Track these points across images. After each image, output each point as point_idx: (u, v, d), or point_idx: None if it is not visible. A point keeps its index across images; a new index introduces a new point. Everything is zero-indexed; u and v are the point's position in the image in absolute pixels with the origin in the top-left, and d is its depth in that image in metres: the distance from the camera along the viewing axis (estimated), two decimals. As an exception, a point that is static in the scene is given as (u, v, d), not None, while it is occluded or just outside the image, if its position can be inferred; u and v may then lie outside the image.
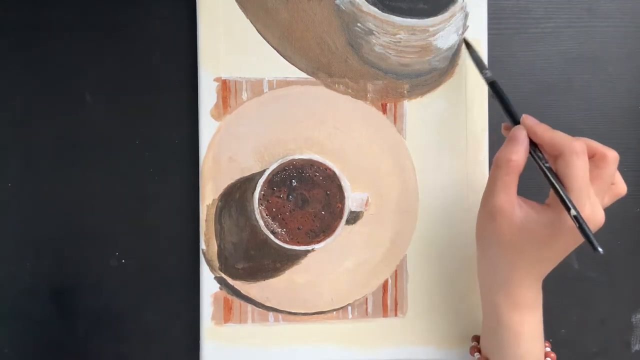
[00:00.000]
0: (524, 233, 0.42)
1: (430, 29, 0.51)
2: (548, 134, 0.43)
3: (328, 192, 0.51)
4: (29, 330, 0.51)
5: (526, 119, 0.44)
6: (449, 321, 0.52)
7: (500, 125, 0.49)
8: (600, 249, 0.39)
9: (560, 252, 0.43)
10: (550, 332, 0.52)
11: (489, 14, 0.52)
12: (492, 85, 0.47)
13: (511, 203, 0.43)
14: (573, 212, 0.40)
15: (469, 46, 0.51)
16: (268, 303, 0.51)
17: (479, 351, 0.48)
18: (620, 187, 0.45)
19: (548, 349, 0.46)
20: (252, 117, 0.51)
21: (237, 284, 0.51)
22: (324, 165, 0.50)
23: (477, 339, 0.50)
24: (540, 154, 0.44)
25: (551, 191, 0.43)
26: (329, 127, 0.51)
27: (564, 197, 0.41)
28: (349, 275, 0.52)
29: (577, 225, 0.40)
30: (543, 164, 0.43)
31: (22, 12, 0.50)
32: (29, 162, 0.51)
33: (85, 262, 0.51)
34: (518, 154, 0.43)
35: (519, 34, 0.52)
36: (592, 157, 0.43)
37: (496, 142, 0.52)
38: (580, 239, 0.42)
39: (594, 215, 0.41)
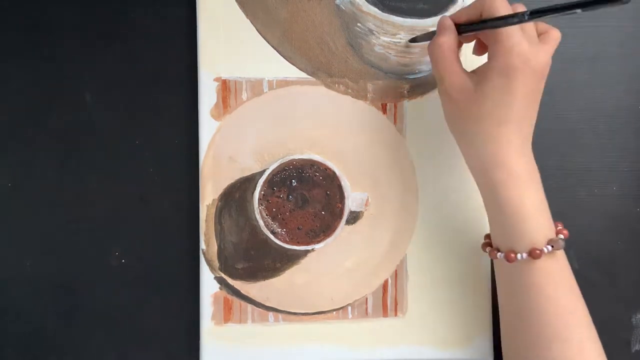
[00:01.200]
0: (484, 95, 0.42)
1: (431, 29, 0.51)
2: (464, 9, 0.44)
3: (328, 192, 0.51)
4: (29, 330, 0.51)
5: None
6: (449, 321, 0.52)
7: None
8: None
9: (528, 96, 0.42)
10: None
11: (489, 14, 0.51)
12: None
13: (459, 78, 0.43)
14: (522, 16, 0.39)
15: (415, 40, 0.51)
16: (268, 303, 0.51)
17: (490, 245, 0.46)
18: (552, 32, 0.45)
19: (560, 227, 0.44)
20: (252, 117, 0.51)
21: (237, 284, 0.51)
22: (324, 165, 0.50)
23: (488, 236, 0.47)
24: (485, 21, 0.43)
25: (490, 46, 0.43)
26: (329, 127, 0.51)
27: (543, 11, 0.39)
28: (349, 275, 0.52)
29: (531, 16, 0.38)
30: (475, 26, 0.43)
31: (22, 12, 0.50)
32: (29, 162, 0.51)
33: (85, 262, 0.51)
34: (444, 35, 0.44)
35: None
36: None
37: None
38: (538, 74, 0.42)
39: (538, 49, 0.41)
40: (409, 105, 0.52)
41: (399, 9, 0.50)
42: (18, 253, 0.51)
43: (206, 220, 0.50)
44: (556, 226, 0.44)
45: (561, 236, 0.43)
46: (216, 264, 0.51)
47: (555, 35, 0.45)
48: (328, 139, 0.51)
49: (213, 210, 0.51)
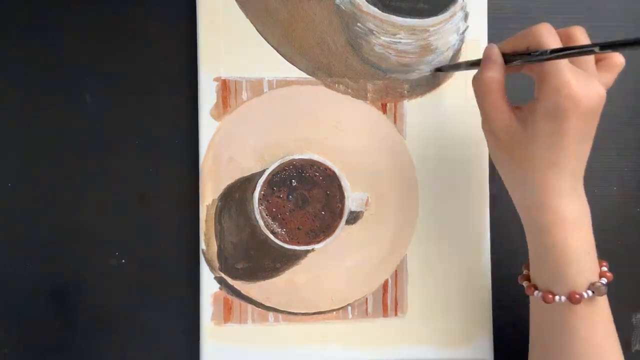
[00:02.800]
0: (532, 138, 0.40)
1: (430, 29, 0.51)
2: (511, 38, 0.42)
3: (328, 192, 0.51)
4: (29, 330, 0.51)
5: (492, 42, 0.43)
6: (449, 321, 0.52)
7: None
8: None
9: (580, 137, 0.40)
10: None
11: (489, 14, 0.52)
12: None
13: (506, 118, 0.41)
14: (594, 48, 0.35)
15: (441, 70, 0.51)
16: (268, 303, 0.51)
17: (529, 279, 0.44)
18: (614, 58, 0.43)
19: (604, 269, 0.42)
20: (252, 117, 0.51)
21: (237, 284, 0.51)
22: (324, 165, 0.50)
23: (527, 267, 0.46)
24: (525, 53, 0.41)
25: (535, 86, 0.41)
26: (329, 127, 0.51)
27: (566, 50, 0.37)
28: (349, 275, 0.52)
29: (598, 49, 0.35)
30: (532, 54, 0.40)
31: (22, 12, 0.50)
32: (29, 162, 0.51)
33: (85, 262, 0.51)
34: (492, 69, 0.41)
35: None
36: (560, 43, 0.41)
37: (496, 142, 0.52)
38: (590, 113, 0.39)
39: (587, 85, 0.38)
40: (409, 105, 0.52)
41: (399, 9, 0.50)
42: (18, 253, 0.51)
43: (206, 221, 0.50)
44: (600, 266, 0.42)
45: (604, 280, 0.41)
46: (216, 264, 0.51)
47: (617, 62, 0.43)
48: (328, 139, 0.51)
49: (213, 210, 0.50)
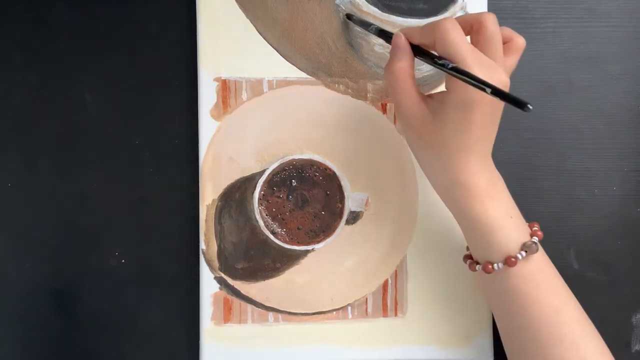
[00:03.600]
0: (442, 125, 0.41)
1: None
2: (420, 30, 0.42)
3: (328, 192, 0.51)
4: (29, 330, 0.51)
5: (402, 30, 0.44)
6: (449, 321, 0.52)
7: (500, 126, 0.49)
8: (529, 105, 0.35)
9: (487, 122, 0.42)
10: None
11: (489, 14, 0.51)
12: (379, 32, 0.46)
13: (416, 106, 0.42)
14: (486, 88, 0.37)
15: (350, 18, 0.50)
16: (268, 303, 0.51)
17: (471, 257, 0.47)
18: (517, 40, 0.44)
19: (535, 229, 0.45)
20: (252, 117, 0.51)
21: (237, 284, 0.51)
22: (324, 165, 0.50)
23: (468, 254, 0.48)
24: (432, 56, 0.42)
25: (446, 76, 0.42)
26: (329, 127, 0.51)
27: (462, 74, 0.38)
28: (349, 275, 0.52)
29: (490, 92, 0.37)
30: (435, 61, 0.41)
31: (22, 12, 0.50)
32: (29, 162, 0.51)
33: (85, 262, 0.51)
34: (401, 60, 0.42)
35: (519, 34, 0.52)
36: (471, 30, 0.42)
37: (496, 142, 0.52)
38: (497, 101, 0.41)
39: (492, 76, 0.39)
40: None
41: (398, 9, 0.50)
42: (18, 253, 0.51)
43: (206, 220, 0.50)
44: (531, 227, 0.45)
45: (535, 239, 0.43)
46: (216, 264, 0.51)
47: (519, 44, 0.44)
48: (328, 139, 0.51)
49: (213, 210, 0.50)
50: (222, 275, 0.51)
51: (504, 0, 0.52)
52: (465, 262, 0.47)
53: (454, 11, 0.51)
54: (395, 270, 0.52)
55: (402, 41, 0.43)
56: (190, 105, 0.51)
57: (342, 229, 0.51)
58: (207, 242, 0.51)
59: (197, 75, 0.50)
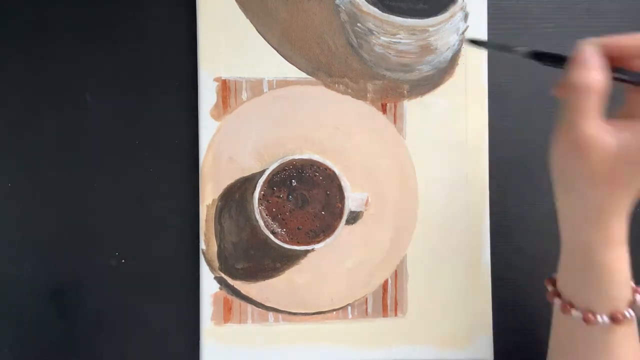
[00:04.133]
0: (621, 161, 0.36)
1: (430, 29, 0.51)
2: (618, 39, 0.37)
3: (328, 192, 0.51)
4: (29, 330, 0.51)
5: (588, 40, 0.37)
6: (449, 321, 0.52)
7: (501, 126, 0.49)
8: None
9: None
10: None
11: (489, 14, 0.52)
12: (536, 56, 0.41)
13: (600, 130, 0.36)
14: None
15: (477, 42, 0.46)
16: (268, 303, 0.51)
17: (559, 295, 0.42)
18: None
19: (634, 287, 0.41)
20: (252, 117, 0.51)
21: (237, 284, 0.51)
22: (324, 165, 0.50)
23: (552, 282, 0.44)
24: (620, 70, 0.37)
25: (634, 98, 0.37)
26: (329, 127, 0.51)
27: None
28: (349, 275, 0.52)
29: None
30: (630, 77, 0.36)
31: (22, 12, 0.50)
32: (29, 162, 0.51)
33: (85, 262, 0.51)
34: (595, 70, 0.36)
35: (519, 34, 0.52)
36: None
37: (496, 142, 0.52)
38: None
39: None
40: (409, 105, 0.52)
41: (398, 9, 0.50)
42: (18, 253, 0.51)
43: (206, 220, 0.50)
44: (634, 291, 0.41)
45: (638, 295, 0.41)
46: (216, 264, 0.51)
47: None
48: (328, 139, 0.51)
49: (213, 210, 0.50)
50: (222, 275, 0.51)
51: (504, 0, 0.52)
52: (551, 300, 0.43)
53: (454, 11, 0.51)
54: (395, 270, 0.52)
55: (589, 50, 0.37)
56: (190, 105, 0.51)
57: (342, 229, 0.51)
58: (207, 242, 0.51)
59: (197, 75, 0.50)
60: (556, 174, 0.40)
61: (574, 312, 0.41)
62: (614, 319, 0.39)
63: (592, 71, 0.36)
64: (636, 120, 0.37)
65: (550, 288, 0.44)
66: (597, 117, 0.36)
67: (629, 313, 0.40)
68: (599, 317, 0.40)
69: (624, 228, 0.39)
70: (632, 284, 0.41)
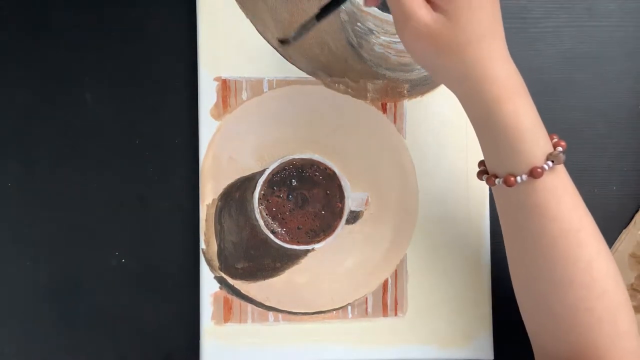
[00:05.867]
0: (456, 20, 0.39)
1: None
2: None
3: (328, 192, 0.51)
4: (29, 330, 0.51)
5: None
6: (449, 321, 0.52)
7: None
8: None
9: (494, 4, 0.40)
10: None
11: (488, 13, 0.51)
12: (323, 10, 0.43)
13: (426, 11, 0.39)
14: None
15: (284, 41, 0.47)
16: (268, 303, 0.51)
17: (486, 172, 0.43)
18: None
19: (555, 139, 0.41)
20: (252, 117, 0.51)
21: (237, 284, 0.51)
22: (324, 165, 0.50)
23: (482, 163, 0.44)
24: None
25: None
26: (329, 127, 0.51)
27: None
28: (349, 275, 0.52)
29: None
30: None
31: (22, 12, 0.50)
32: (29, 162, 0.51)
33: (85, 262, 0.51)
34: None
35: (519, 34, 0.52)
36: None
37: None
38: None
39: None
40: (409, 105, 0.52)
41: (398, 9, 0.50)
42: (18, 253, 0.51)
43: (206, 220, 0.50)
44: (551, 138, 0.41)
45: (559, 148, 0.40)
46: (216, 263, 0.51)
47: None
48: (328, 139, 0.51)
49: (213, 210, 0.50)
50: (222, 274, 0.51)
51: (504, 0, 0.52)
52: (481, 178, 0.43)
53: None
54: (395, 270, 0.52)
55: None
56: (190, 105, 0.51)
57: (342, 229, 0.51)
58: (207, 242, 0.51)
59: (197, 75, 0.50)
60: (423, 64, 0.43)
61: (497, 181, 0.41)
62: (534, 174, 0.39)
63: None
64: None
65: (480, 168, 0.44)
66: (420, 1, 0.39)
67: (548, 165, 0.39)
68: (518, 178, 0.39)
69: (515, 74, 0.40)
70: (547, 136, 0.40)
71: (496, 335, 0.52)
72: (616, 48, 0.53)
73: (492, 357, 0.52)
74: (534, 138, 0.39)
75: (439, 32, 0.39)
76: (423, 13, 0.39)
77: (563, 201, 0.40)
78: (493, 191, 0.43)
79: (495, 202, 0.44)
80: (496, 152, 0.41)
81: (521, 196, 0.40)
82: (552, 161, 0.39)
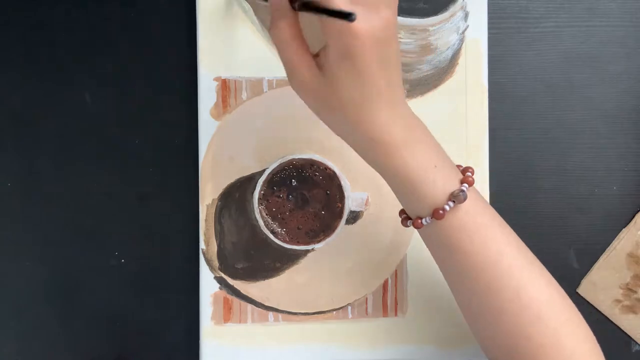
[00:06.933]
0: (332, 82, 0.37)
1: (430, 28, 0.51)
2: None
3: (328, 192, 0.51)
4: (28, 330, 0.51)
5: None
6: (449, 321, 0.52)
7: (501, 126, 0.49)
8: (352, 15, 0.32)
9: (382, 65, 0.37)
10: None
11: (489, 13, 0.52)
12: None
13: (309, 69, 0.38)
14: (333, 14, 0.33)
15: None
16: (268, 303, 0.51)
17: (405, 212, 0.43)
18: None
19: (469, 174, 0.41)
20: (252, 117, 0.51)
21: (237, 284, 0.51)
22: (324, 165, 0.50)
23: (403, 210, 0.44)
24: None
25: (321, 29, 0.37)
26: (329, 127, 0.51)
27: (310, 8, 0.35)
28: (349, 275, 0.52)
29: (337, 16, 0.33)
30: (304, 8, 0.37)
31: (22, 11, 0.50)
32: (29, 162, 0.51)
33: (85, 262, 0.51)
34: (283, 18, 0.37)
35: (519, 34, 0.52)
36: None
37: (496, 142, 0.52)
38: (381, 39, 0.36)
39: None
40: (409, 105, 0.51)
41: (399, 8, 0.50)
42: (18, 253, 0.51)
43: (206, 220, 0.50)
44: (464, 172, 0.41)
45: (465, 186, 0.40)
46: (216, 263, 0.51)
47: None
48: (328, 138, 0.51)
49: (213, 210, 0.50)
50: (222, 274, 0.51)
51: (504, 0, 0.52)
52: (405, 224, 0.43)
53: (454, 11, 0.51)
54: (395, 270, 0.52)
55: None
56: (190, 105, 0.51)
57: (342, 229, 0.51)
58: (207, 242, 0.51)
59: (197, 75, 0.50)
60: (316, 114, 0.41)
61: (408, 222, 0.42)
62: (435, 215, 0.39)
63: (287, 16, 0.37)
64: (325, 47, 0.37)
65: (402, 216, 0.44)
66: (305, 58, 0.38)
67: (449, 205, 0.39)
68: (423, 220, 0.40)
69: (402, 130, 0.39)
70: (453, 175, 0.40)
71: (496, 335, 0.52)
72: (616, 48, 0.53)
73: (492, 357, 0.52)
74: (431, 182, 0.40)
75: (317, 90, 0.38)
76: (304, 71, 0.38)
77: (476, 237, 0.40)
78: (421, 236, 0.44)
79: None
80: (402, 198, 0.42)
81: (433, 236, 0.42)
82: (453, 201, 0.39)
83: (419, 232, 0.43)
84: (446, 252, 0.42)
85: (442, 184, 0.40)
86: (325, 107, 0.39)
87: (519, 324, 0.41)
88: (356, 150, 0.42)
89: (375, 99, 0.38)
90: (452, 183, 0.40)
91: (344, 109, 0.38)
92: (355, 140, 0.41)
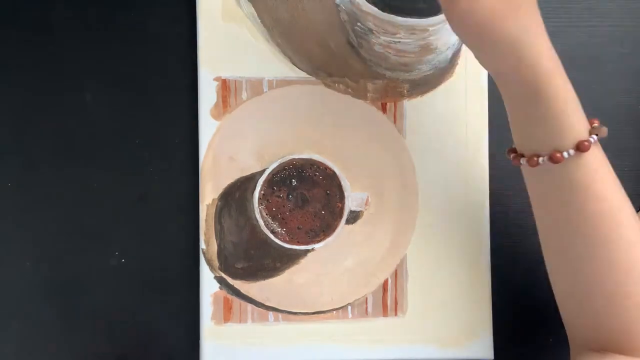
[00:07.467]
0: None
1: (430, 28, 0.50)
2: None
3: (328, 192, 0.51)
4: (29, 330, 0.51)
5: None
6: (449, 321, 0.52)
7: (501, 126, 0.48)
8: None
9: None
10: (551, 332, 0.52)
11: (488, 13, 0.51)
12: None
13: None
14: None
15: None
16: (268, 303, 0.51)
17: (515, 151, 0.42)
18: None
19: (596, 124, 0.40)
20: (252, 117, 0.51)
21: (237, 284, 0.51)
22: (324, 164, 0.50)
23: (511, 150, 0.43)
24: None
25: None
26: (329, 127, 0.51)
27: None
28: (349, 275, 0.52)
29: None
30: None
31: (22, 11, 0.50)
32: (29, 162, 0.51)
33: (85, 262, 0.51)
34: None
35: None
36: None
37: (496, 142, 0.52)
38: None
39: None
40: (409, 105, 0.52)
41: (398, 9, 0.50)
42: (18, 253, 0.51)
43: (206, 220, 0.50)
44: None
45: (596, 123, 0.40)
46: (216, 263, 0.51)
47: None
48: (328, 138, 0.51)
49: (213, 209, 0.51)
50: (222, 274, 0.51)
51: (504, 0, 0.52)
52: (518, 162, 0.41)
53: (454, 11, 0.51)
54: (395, 270, 0.52)
55: None
56: (190, 105, 0.51)
57: (342, 229, 0.51)
58: (207, 242, 0.51)
59: (197, 75, 0.50)
60: (474, 45, 0.41)
61: (541, 160, 0.40)
62: (581, 148, 0.38)
63: None
64: None
65: (511, 156, 0.43)
66: None
67: (593, 138, 0.38)
68: (565, 153, 0.38)
69: (552, 49, 0.39)
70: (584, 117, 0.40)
71: (496, 335, 0.52)
72: (616, 48, 0.53)
73: (492, 357, 0.52)
74: (579, 112, 0.39)
75: (499, 13, 0.38)
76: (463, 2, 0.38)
77: (607, 179, 0.40)
78: (529, 174, 0.42)
79: (530, 186, 0.43)
80: (542, 128, 0.40)
81: (565, 174, 0.39)
82: (597, 134, 0.39)
83: (525, 174, 0.42)
84: (571, 194, 0.40)
85: (584, 117, 0.39)
86: (502, 34, 0.38)
87: (623, 281, 0.40)
88: (510, 75, 0.40)
89: (540, 30, 0.38)
90: (585, 119, 0.40)
91: (518, 18, 0.38)
92: (517, 57, 0.39)
